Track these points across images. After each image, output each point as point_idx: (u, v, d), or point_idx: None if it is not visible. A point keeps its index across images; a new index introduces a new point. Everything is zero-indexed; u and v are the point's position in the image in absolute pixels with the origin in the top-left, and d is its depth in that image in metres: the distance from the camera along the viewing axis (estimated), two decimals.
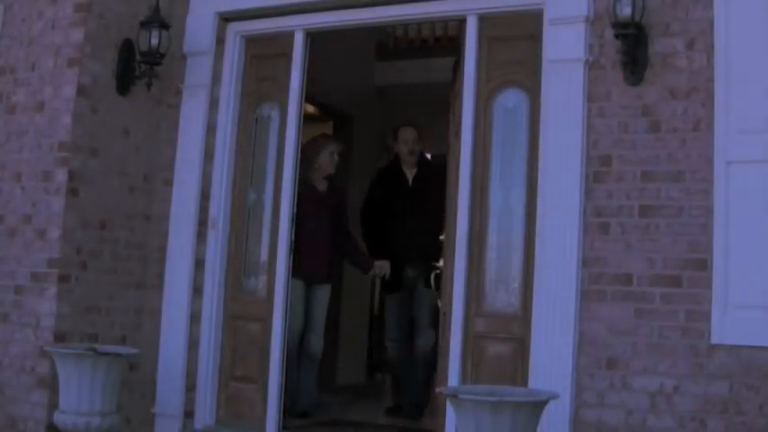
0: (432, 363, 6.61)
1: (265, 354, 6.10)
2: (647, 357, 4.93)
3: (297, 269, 6.34)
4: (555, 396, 4.48)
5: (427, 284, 7.20)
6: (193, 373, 6.21)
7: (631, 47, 5.04)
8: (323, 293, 7.07)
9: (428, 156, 8.04)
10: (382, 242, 7.35)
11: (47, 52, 6.15)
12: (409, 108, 8.83)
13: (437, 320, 6.33)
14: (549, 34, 5.38)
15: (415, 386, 7.25)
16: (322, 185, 7.15)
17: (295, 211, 6.19)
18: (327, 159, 7.12)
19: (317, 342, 7.03)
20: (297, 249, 6.24)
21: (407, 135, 7.44)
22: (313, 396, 7.04)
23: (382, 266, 7.24)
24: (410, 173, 7.44)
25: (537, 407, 4.40)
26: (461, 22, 5.77)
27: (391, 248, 7.27)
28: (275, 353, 6.07)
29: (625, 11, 4.94)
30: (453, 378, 5.49)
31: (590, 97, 5.23)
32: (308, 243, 6.67)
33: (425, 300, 7.24)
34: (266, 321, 6.12)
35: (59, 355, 5.42)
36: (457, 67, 6.10)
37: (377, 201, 7.48)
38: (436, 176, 6.68)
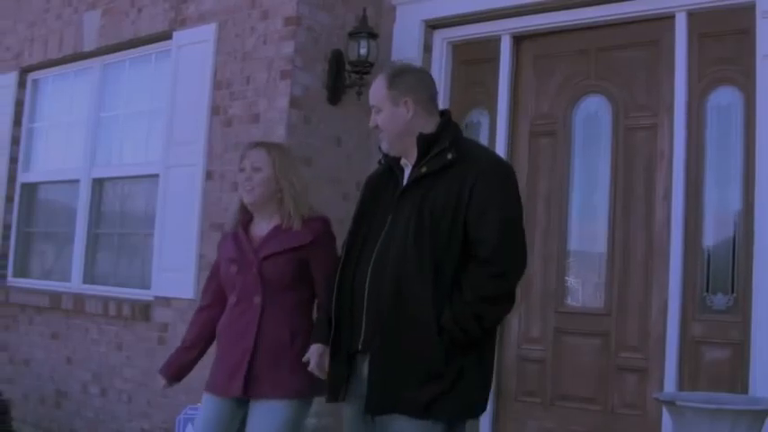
0: None
1: None
2: None
3: (212, 378, 4.30)
4: None
5: (410, 408, 3.47)
6: None
7: None
8: (263, 417, 4.12)
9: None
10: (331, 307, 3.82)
11: (260, 66, 6.53)
12: None
13: None
14: (763, 28, 5.32)
15: None
16: (261, 226, 4.35)
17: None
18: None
19: None
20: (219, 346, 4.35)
21: (371, 90, 3.89)
22: None
23: (310, 355, 3.94)
24: (407, 167, 3.79)
25: (758, 415, 4.33)
26: (669, 19, 5.81)
27: (337, 319, 3.77)
28: None
29: None
30: (670, 385, 5.48)
31: None
32: (227, 332, 4.28)
33: None
34: None
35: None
36: None
37: (354, 225, 3.94)
38: (468, 178, 3.57)
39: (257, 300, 4.16)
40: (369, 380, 3.54)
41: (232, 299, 4.25)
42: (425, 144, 3.68)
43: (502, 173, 3.68)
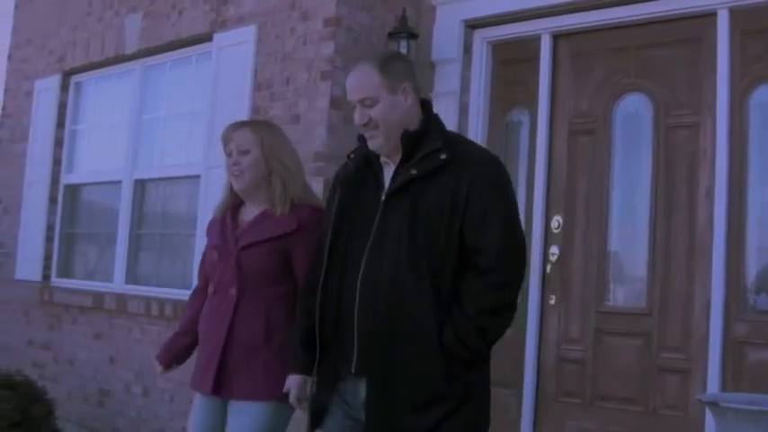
0: None
1: (520, 360, 6.27)
2: None
3: (193, 371, 4.11)
4: None
5: None
6: None
7: None
8: (236, 419, 3.85)
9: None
10: (306, 327, 3.51)
11: (300, 66, 6.57)
12: None
13: None
14: None
15: None
16: (251, 211, 4.04)
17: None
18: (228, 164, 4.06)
19: None
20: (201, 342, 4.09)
21: (349, 84, 3.56)
22: None
23: (290, 387, 3.62)
24: (389, 169, 3.43)
25: None
26: (711, 16, 5.76)
27: (321, 339, 3.45)
28: (530, 359, 6.25)
29: None
30: (713, 385, 5.44)
31: None
32: (203, 323, 4.04)
33: None
34: (521, 329, 6.24)
35: None
36: None
37: (333, 230, 3.45)
38: (463, 179, 3.26)
39: (232, 291, 3.87)
40: (368, 408, 3.25)
41: (211, 288, 4.01)
42: (411, 142, 3.33)
43: (497, 172, 3.36)
